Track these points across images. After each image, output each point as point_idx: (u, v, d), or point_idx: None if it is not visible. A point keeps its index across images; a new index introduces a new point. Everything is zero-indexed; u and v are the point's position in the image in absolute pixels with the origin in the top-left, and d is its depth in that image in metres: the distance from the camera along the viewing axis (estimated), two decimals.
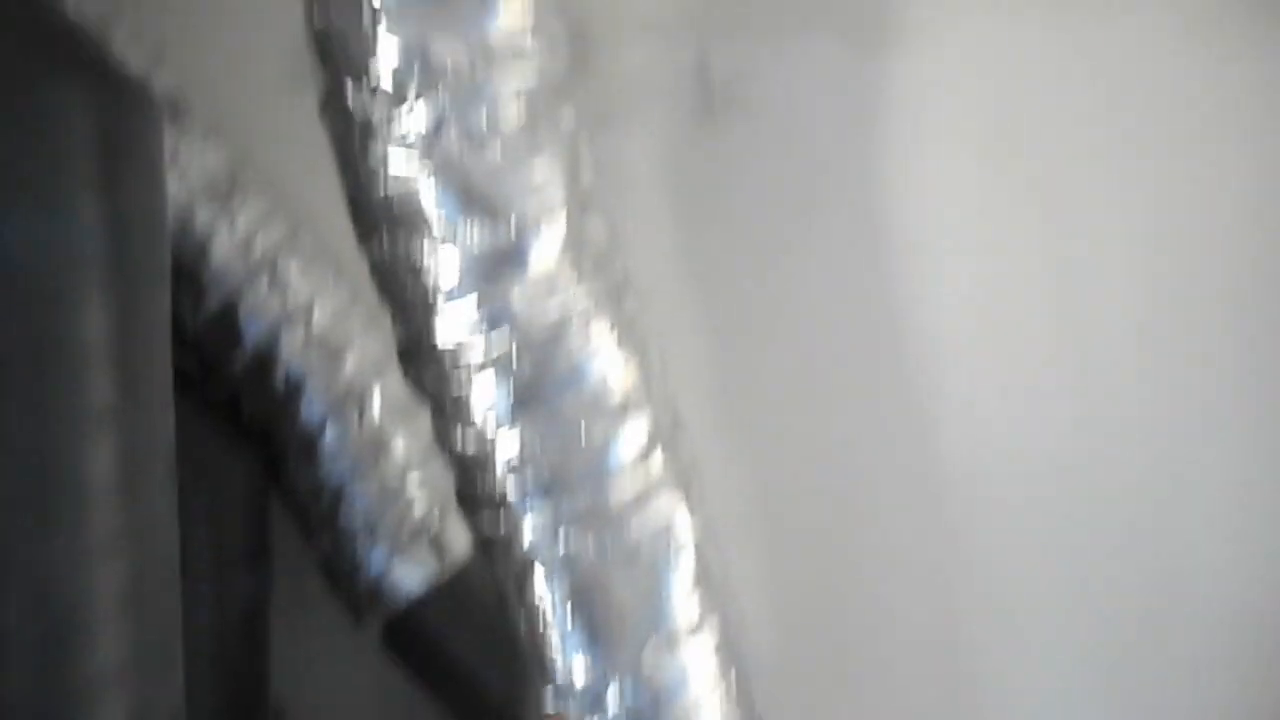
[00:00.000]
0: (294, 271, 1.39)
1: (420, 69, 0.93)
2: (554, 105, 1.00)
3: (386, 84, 0.93)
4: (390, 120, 0.94)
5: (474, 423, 1.02)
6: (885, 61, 1.87)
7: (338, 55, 0.95)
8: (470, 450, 1.03)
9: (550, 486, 1.01)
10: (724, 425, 1.79)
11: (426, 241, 0.97)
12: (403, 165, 0.95)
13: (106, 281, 1.05)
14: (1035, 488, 1.89)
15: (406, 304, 1.01)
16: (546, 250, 0.99)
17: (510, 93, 0.96)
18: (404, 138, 0.94)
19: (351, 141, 0.97)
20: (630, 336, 1.06)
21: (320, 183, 1.54)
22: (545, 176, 0.99)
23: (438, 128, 0.94)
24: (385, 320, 1.46)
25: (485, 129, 0.95)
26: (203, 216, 1.33)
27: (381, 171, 0.96)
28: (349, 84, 0.95)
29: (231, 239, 1.35)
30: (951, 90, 1.88)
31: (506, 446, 1.01)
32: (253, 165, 1.42)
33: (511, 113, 0.96)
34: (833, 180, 1.87)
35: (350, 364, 1.41)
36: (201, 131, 1.35)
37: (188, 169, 1.32)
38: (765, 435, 1.84)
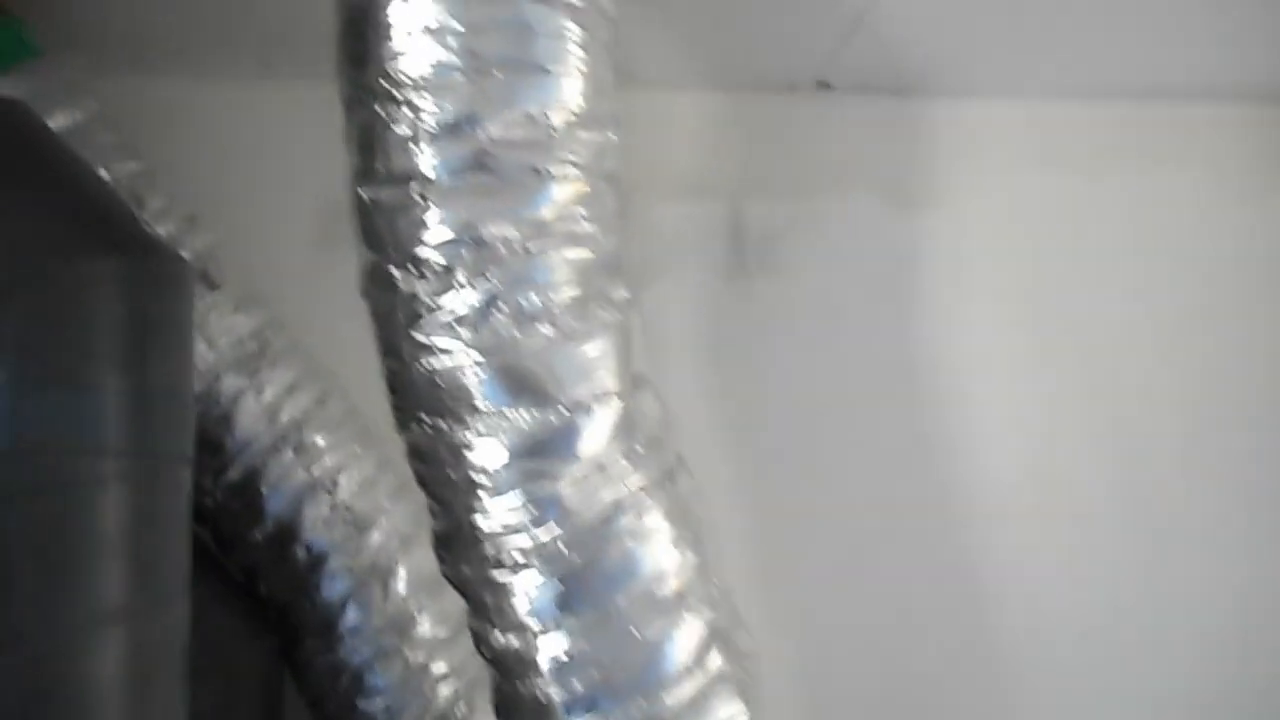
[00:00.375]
0: (320, 440, 1.33)
1: (471, 247, 0.89)
2: (606, 280, 0.96)
3: (436, 262, 0.89)
4: (438, 299, 0.89)
5: (516, 620, 0.93)
6: (922, 217, 1.86)
7: (384, 231, 0.91)
8: (511, 649, 0.95)
9: (600, 692, 0.92)
10: (761, 594, 1.70)
11: (471, 426, 0.91)
12: (449, 345, 0.90)
13: (126, 467, 0.99)
14: (1090, 649, 1.79)
15: (447, 491, 0.94)
16: (597, 435, 0.93)
17: (563, 270, 0.92)
18: (452, 317, 0.90)
19: (395, 320, 0.92)
20: (684, 523, 0.99)
21: (349, 345, 1.51)
22: (597, 356, 0.93)
23: (487, 307, 0.89)
24: (414, 490, 1.41)
25: (536, 308, 0.90)
26: (229, 384, 1.28)
27: (426, 351, 0.91)
28: (395, 261, 0.91)
29: (257, 407, 1.30)
30: (989, 244, 1.87)
31: (552, 647, 0.93)
32: (282, 329, 1.38)
33: (564, 292, 0.91)
34: (869, 336, 1.83)
35: (376, 537, 1.33)
36: (233, 299, 1.31)
37: (217, 337, 1.28)
38: (807, 602, 1.74)
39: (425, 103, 0.87)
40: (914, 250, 1.86)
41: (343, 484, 1.33)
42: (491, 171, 0.88)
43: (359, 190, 0.91)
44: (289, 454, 1.30)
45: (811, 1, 1.54)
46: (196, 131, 1.66)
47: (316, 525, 1.31)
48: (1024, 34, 1.72)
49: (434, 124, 0.87)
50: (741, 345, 1.77)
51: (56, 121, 1.20)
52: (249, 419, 1.29)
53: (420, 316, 0.90)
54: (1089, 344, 1.89)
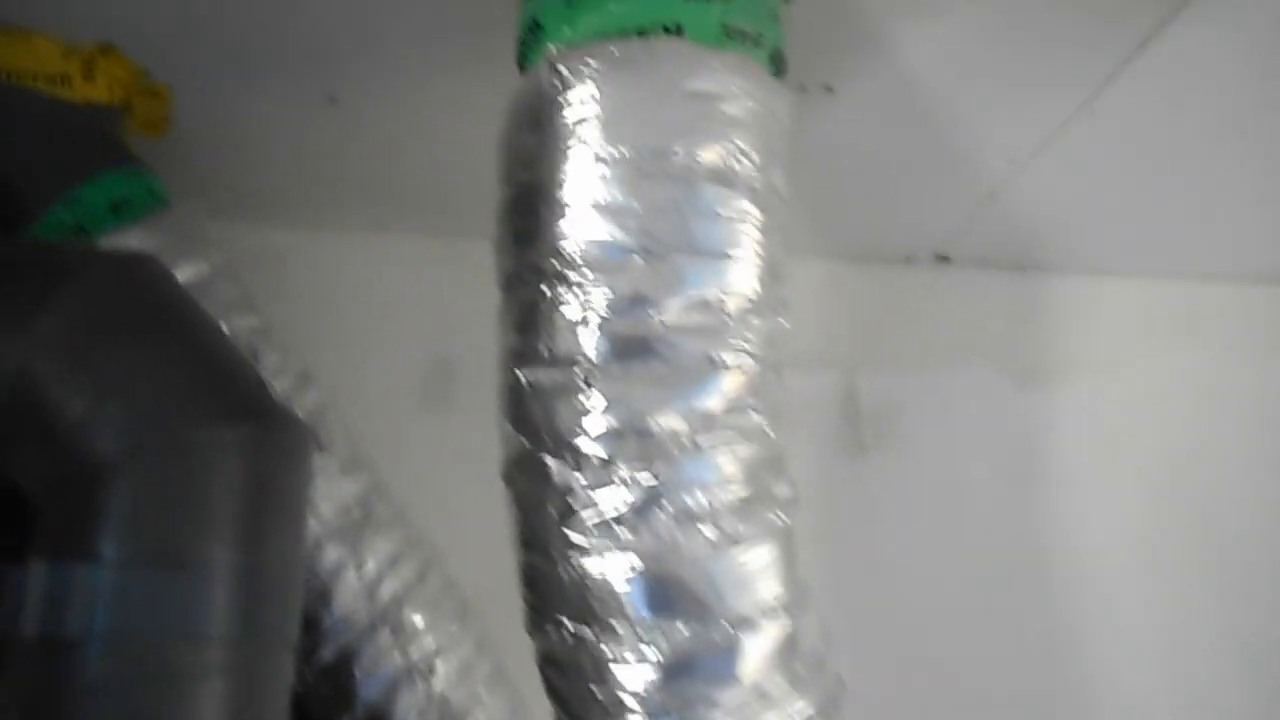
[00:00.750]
0: (419, 620, 1.23)
1: (635, 439, 0.81)
2: (773, 478, 0.87)
3: (596, 453, 0.81)
4: (594, 493, 0.81)
5: None
6: (1046, 395, 1.77)
7: (539, 416, 0.83)
8: None
9: None
10: None
11: (621, 638, 0.81)
12: (603, 546, 0.81)
13: (231, 656, 0.90)
14: None
15: (587, 709, 0.83)
16: (759, 655, 0.82)
17: (731, 467, 0.83)
18: (609, 515, 0.81)
19: (545, 513, 0.83)
20: None
21: (445, 508, 1.44)
22: (762, 566, 0.84)
23: (648, 506, 0.81)
24: (510, 679, 1.30)
25: (702, 509, 0.81)
26: (331, 556, 1.19)
27: (577, 551, 0.82)
28: (550, 449, 0.83)
29: (358, 581, 1.21)
30: (1117, 424, 1.78)
31: None
32: (386, 493, 1.30)
33: (731, 491, 0.83)
34: (991, 517, 1.72)
35: None
36: (339, 462, 1.24)
37: (321, 503, 1.20)
38: None
39: (597, 284, 0.81)
40: (1037, 428, 1.77)
41: (440, 670, 1.22)
42: (662, 358, 0.81)
43: (516, 371, 0.84)
44: (386, 635, 1.20)
45: (945, 177, 1.50)
46: (306, 281, 1.64)
47: (410, 716, 1.20)
48: (1154, 214, 1.67)
49: (604, 306, 0.81)
50: (856, 525, 1.66)
51: (183, 273, 1.16)
52: (348, 594, 1.20)
53: (574, 512, 0.81)
54: (1224, 530, 1.76)
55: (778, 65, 0.91)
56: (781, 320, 0.88)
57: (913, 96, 1.26)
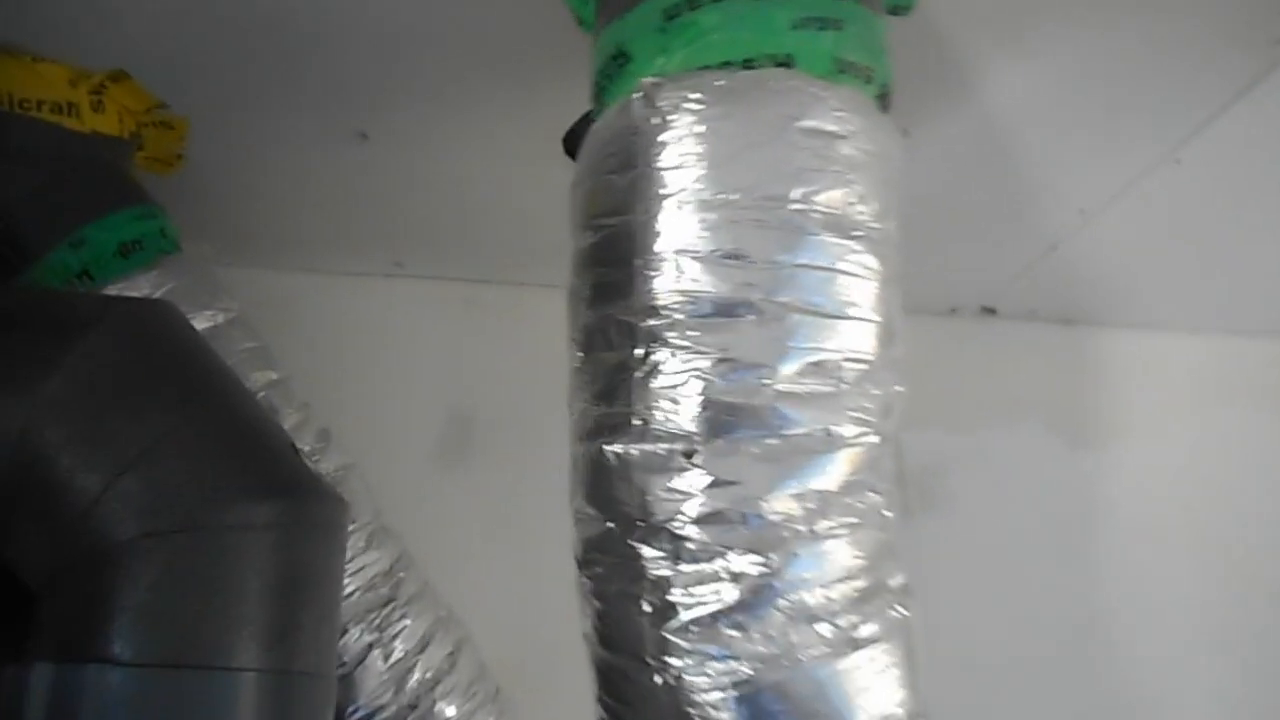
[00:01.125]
0: (450, 711, 1.11)
1: (744, 524, 0.70)
2: (890, 568, 0.76)
3: (698, 540, 0.70)
4: (695, 589, 0.70)
5: None
6: (1099, 452, 1.69)
7: (628, 496, 0.73)
8: None
9: None
10: None
11: None
12: (705, 649, 0.70)
13: None
14: None
15: None
16: None
17: (848, 555, 0.73)
18: (713, 610, 0.70)
19: (633, 609, 0.72)
20: None
21: (468, 578, 1.33)
22: (880, 669, 0.73)
23: (757, 602, 0.70)
24: None
25: (818, 605, 0.71)
26: (357, 640, 1.07)
27: (675, 652, 0.71)
28: (641, 535, 0.72)
29: (385, 666, 1.09)
30: (1166, 482, 1.70)
31: None
32: (413, 565, 1.18)
33: (849, 584, 0.72)
34: (1041, 578, 1.63)
35: None
36: (365, 532, 1.12)
37: (347, 583, 1.08)
38: None
39: (701, 345, 0.71)
40: (1090, 487, 1.68)
41: None
42: (773, 430, 0.71)
43: (602, 445, 0.74)
44: None
45: (1007, 226, 1.42)
46: (314, 329, 1.53)
47: None
48: (1221, 268, 1.60)
49: (709, 371, 0.71)
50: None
51: (199, 323, 1.05)
52: (375, 682, 1.08)
53: (671, 609, 0.71)
54: (1274, 577, 1.68)
55: (884, 104, 0.82)
56: (898, 387, 0.78)
57: (990, 141, 1.18)
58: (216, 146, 1.23)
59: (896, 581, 0.78)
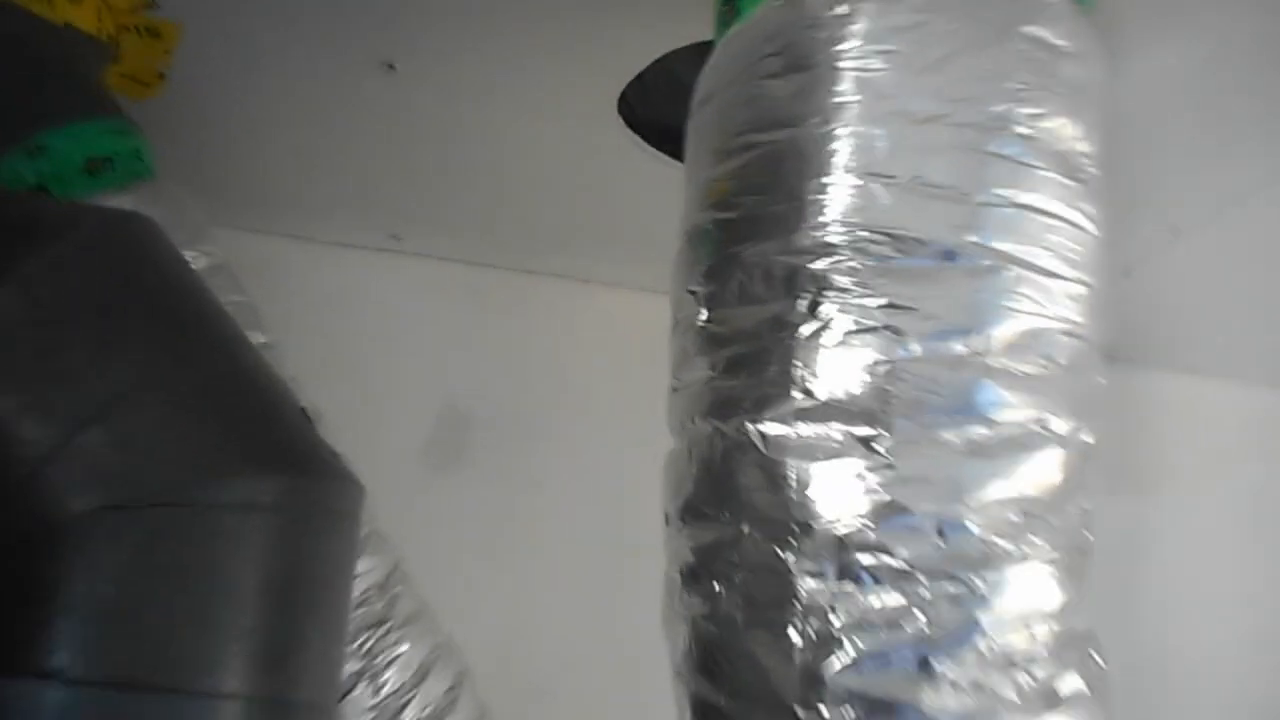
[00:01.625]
0: None
1: (934, 534, 0.53)
2: (1083, 604, 0.60)
3: (875, 555, 0.53)
4: (869, 616, 0.53)
5: None
6: (1141, 498, 1.56)
7: (769, 493, 0.55)
8: None
9: None
10: None
11: None
12: (864, 696, 0.53)
13: None
14: None
15: None
16: None
17: (1051, 587, 0.56)
18: (877, 648, 0.53)
19: (764, 644, 0.54)
20: None
21: (447, 573, 1.13)
22: None
23: (944, 642, 0.52)
24: None
25: (1017, 649, 0.54)
26: (347, 666, 0.87)
27: (818, 700, 0.53)
28: (792, 544, 0.54)
29: (373, 699, 0.88)
30: (1217, 534, 1.59)
31: None
32: (407, 578, 0.99)
33: (1049, 623, 0.55)
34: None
35: None
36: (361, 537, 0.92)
37: None
38: None
39: (887, 297, 0.54)
40: (1134, 536, 1.56)
41: None
42: (982, 416, 0.54)
43: (744, 422, 0.56)
44: None
45: None
46: (302, 303, 1.32)
47: None
48: (1261, 318, 1.49)
49: (898, 331, 0.54)
50: None
51: None
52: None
53: (834, 644, 0.53)
54: None
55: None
56: (1099, 377, 0.62)
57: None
58: (207, 66, 1.03)
59: (1084, 624, 0.61)
